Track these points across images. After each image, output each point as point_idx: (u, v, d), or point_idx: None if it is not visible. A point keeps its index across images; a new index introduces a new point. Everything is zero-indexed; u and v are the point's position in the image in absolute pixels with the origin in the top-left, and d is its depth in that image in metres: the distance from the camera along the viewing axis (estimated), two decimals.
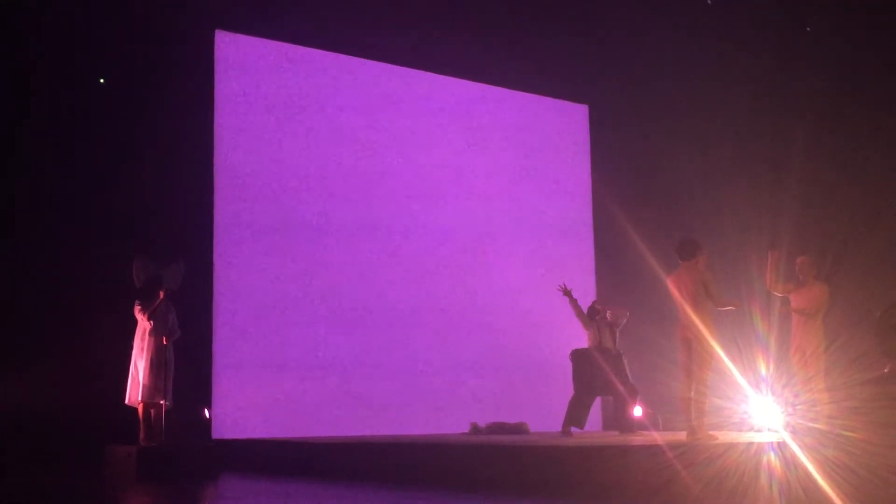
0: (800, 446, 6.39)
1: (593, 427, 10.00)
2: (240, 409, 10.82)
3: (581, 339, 10.23)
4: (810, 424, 7.59)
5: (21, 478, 8.71)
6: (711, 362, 7.77)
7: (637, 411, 9.92)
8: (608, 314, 10.22)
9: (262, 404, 10.95)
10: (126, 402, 9.04)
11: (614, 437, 9.23)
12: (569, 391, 10.00)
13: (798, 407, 8.46)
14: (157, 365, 8.92)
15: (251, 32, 11.60)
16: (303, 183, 11.75)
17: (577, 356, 10.06)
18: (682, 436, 8.00)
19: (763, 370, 8.98)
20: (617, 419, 10.32)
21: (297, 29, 11.79)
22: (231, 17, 11.42)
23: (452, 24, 12.25)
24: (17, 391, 9.62)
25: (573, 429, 9.76)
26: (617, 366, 9.96)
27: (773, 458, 6.34)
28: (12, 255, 10.02)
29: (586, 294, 13.15)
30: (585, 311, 10.19)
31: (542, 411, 11.66)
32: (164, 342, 8.98)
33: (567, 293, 10.00)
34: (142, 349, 8.99)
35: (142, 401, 8.93)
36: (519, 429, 11.16)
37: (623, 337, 10.31)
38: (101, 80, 10.43)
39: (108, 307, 9.65)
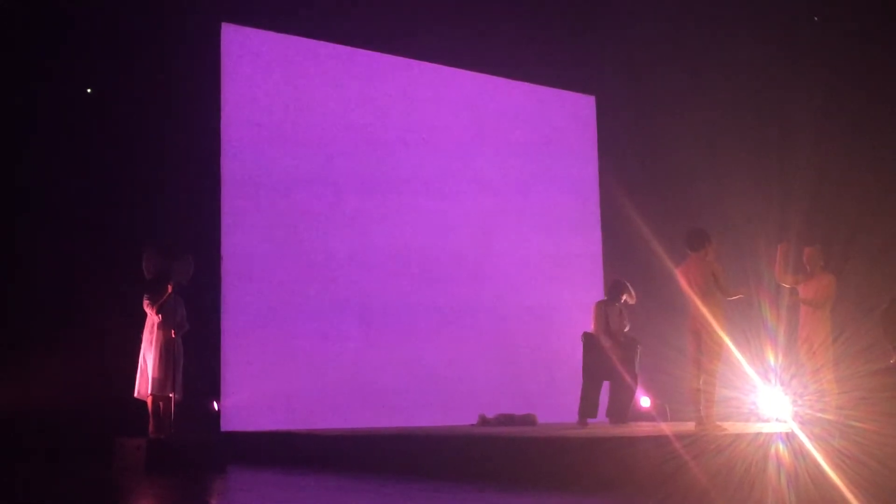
0: (808, 436, 6.39)
1: (599, 416, 9.93)
2: (248, 401, 10.84)
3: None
4: (818, 415, 7.60)
5: (31, 471, 8.74)
6: (720, 353, 7.77)
7: (644, 402, 9.82)
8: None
9: (271, 397, 10.97)
10: (135, 395, 9.08)
11: (622, 428, 9.21)
12: (577, 383, 9.93)
13: (806, 397, 8.46)
14: (165, 358, 8.95)
15: (258, 25, 11.60)
16: (311, 176, 11.73)
17: (586, 339, 9.80)
18: (690, 426, 8.00)
19: (771, 361, 8.97)
20: (611, 407, 9.87)
21: (303, 21, 11.78)
22: (238, 9, 11.41)
23: (459, 16, 12.23)
24: (27, 385, 9.65)
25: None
26: (626, 353, 9.69)
27: (781, 449, 6.35)
28: (21, 249, 10.05)
29: (594, 285, 13.15)
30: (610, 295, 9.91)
31: (549, 403, 11.66)
32: (173, 335, 9.01)
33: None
34: (150, 342, 9.01)
35: (151, 394, 8.96)
36: (527, 420, 11.16)
37: (632, 328, 10.18)
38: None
39: (118, 301, 9.68)
